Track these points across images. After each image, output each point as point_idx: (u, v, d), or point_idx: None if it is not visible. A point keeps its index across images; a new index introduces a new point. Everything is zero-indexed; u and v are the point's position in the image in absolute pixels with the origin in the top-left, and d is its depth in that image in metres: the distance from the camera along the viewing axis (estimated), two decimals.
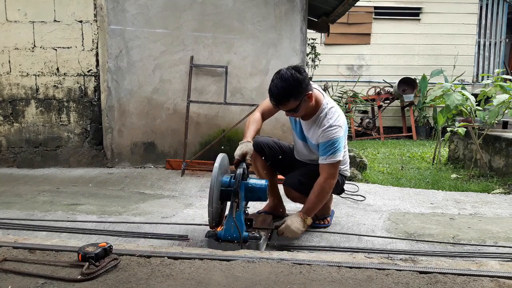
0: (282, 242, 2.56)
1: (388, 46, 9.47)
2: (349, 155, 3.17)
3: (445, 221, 3.09)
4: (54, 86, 4.79)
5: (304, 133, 2.72)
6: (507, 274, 1.96)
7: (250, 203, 2.64)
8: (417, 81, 8.87)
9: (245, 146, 2.51)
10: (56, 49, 4.74)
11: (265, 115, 2.74)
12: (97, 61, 4.74)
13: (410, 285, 1.87)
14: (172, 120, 4.79)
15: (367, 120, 9.03)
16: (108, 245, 2.07)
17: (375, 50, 9.52)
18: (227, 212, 2.51)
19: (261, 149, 2.81)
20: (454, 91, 4.82)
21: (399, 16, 9.41)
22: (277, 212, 3.02)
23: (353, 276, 1.95)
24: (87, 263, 1.94)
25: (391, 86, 9.14)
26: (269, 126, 4.49)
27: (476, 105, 4.92)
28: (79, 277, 1.87)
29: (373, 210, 3.37)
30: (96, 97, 4.81)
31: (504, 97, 4.46)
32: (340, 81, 9.38)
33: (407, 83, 8.76)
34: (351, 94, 9.11)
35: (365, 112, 9.53)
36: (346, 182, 3.15)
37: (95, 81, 4.79)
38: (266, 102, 2.71)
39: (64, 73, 4.77)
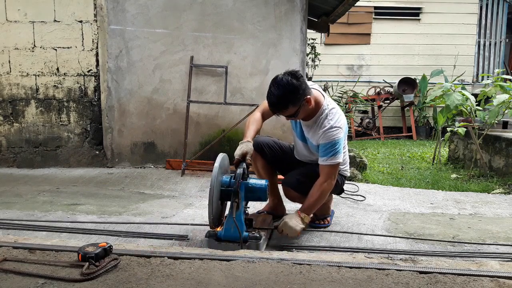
0: (282, 242, 2.56)
1: (388, 46, 9.47)
2: (349, 155, 3.18)
3: (445, 221, 3.09)
4: (54, 86, 4.79)
5: (304, 134, 2.72)
6: (507, 274, 1.96)
7: (250, 203, 2.64)
8: (417, 81, 8.87)
9: (245, 146, 2.51)
10: (56, 49, 4.74)
11: (265, 115, 2.74)
12: (97, 61, 4.74)
13: (410, 285, 1.87)
14: (172, 120, 4.79)
15: (367, 120, 9.03)
16: (108, 245, 2.07)
17: (375, 50, 9.52)
18: (227, 212, 2.51)
19: (261, 149, 2.81)
20: (454, 91, 4.82)
21: (399, 16, 9.41)
22: (277, 212, 3.02)
23: (353, 276, 1.95)
24: (87, 263, 1.94)
25: (391, 86, 9.15)
26: (269, 126, 4.49)
27: (476, 105, 4.92)
28: (79, 277, 1.87)
29: (373, 210, 3.37)
30: (96, 97, 4.81)
31: (504, 97, 4.47)
32: (340, 81, 9.38)
33: (407, 83, 8.76)
34: (351, 94, 9.11)
35: (365, 112, 9.53)
36: (346, 182, 3.15)
37: (95, 81, 4.79)
38: (266, 103, 2.71)
39: (64, 73, 4.77)
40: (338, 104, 8.41)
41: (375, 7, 9.40)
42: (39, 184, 4.03)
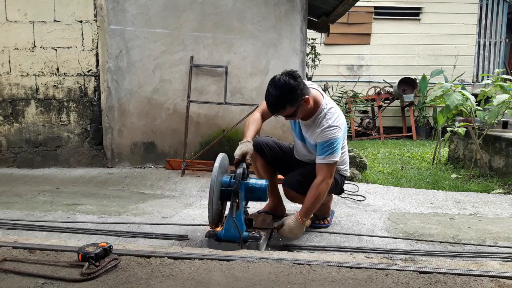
0: (282, 242, 2.56)
1: (388, 46, 9.47)
2: (349, 155, 3.18)
3: (445, 221, 3.09)
4: (54, 86, 4.79)
5: (303, 134, 2.72)
6: (507, 274, 1.96)
7: (250, 203, 2.64)
8: (417, 81, 8.87)
9: (245, 146, 2.51)
10: (56, 49, 4.74)
11: (265, 116, 2.74)
12: (97, 61, 4.74)
13: (410, 285, 1.87)
14: (172, 120, 4.79)
15: (367, 120, 9.02)
16: (108, 245, 2.07)
17: (375, 50, 9.52)
18: (227, 212, 2.51)
19: (260, 149, 2.81)
20: (454, 91, 4.82)
21: (399, 16, 9.41)
22: (277, 212, 3.02)
23: (353, 276, 1.95)
24: (87, 263, 1.94)
25: (391, 86, 9.14)
26: (269, 126, 4.48)
27: (476, 105, 4.92)
28: (79, 277, 1.87)
29: (373, 210, 3.37)
30: (96, 97, 4.81)
31: (504, 97, 4.47)
32: (340, 81, 9.38)
33: (407, 83, 8.76)
34: (351, 94, 9.11)
35: (365, 112, 9.53)
36: (346, 182, 3.15)
37: (95, 81, 4.79)
38: (265, 103, 2.71)
39: (64, 73, 4.77)
40: (338, 104, 8.43)
41: (375, 7, 9.40)
42: (39, 184, 4.03)
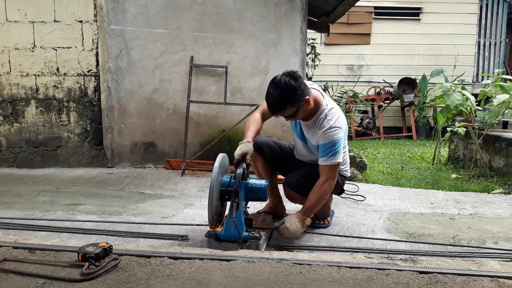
0: (282, 242, 2.56)
1: (388, 46, 9.47)
2: (349, 155, 3.17)
3: (445, 221, 3.09)
4: (54, 86, 4.79)
5: (304, 134, 2.72)
6: (507, 274, 1.96)
7: (250, 203, 2.64)
8: (417, 81, 8.87)
9: (245, 146, 2.51)
10: (56, 49, 4.74)
11: (265, 116, 2.74)
12: (97, 61, 4.74)
13: (410, 285, 1.87)
14: (172, 120, 4.79)
15: (367, 120, 9.02)
16: (108, 245, 2.07)
17: (375, 50, 9.52)
18: (227, 212, 2.51)
19: (260, 149, 2.81)
20: (454, 91, 4.82)
21: (399, 16, 9.41)
22: (277, 212, 3.02)
23: (353, 276, 1.95)
24: (87, 263, 1.94)
25: (391, 86, 9.14)
26: (269, 126, 4.48)
27: (476, 105, 4.92)
28: (79, 277, 1.87)
29: (373, 210, 3.37)
30: (96, 97, 4.81)
31: (504, 97, 4.46)
32: (340, 81, 9.38)
33: (407, 83, 8.76)
34: (351, 94, 9.10)
35: (365, 112, 9.53)
36: (346, 182, 3.15)
37: (95, 81, 4.79)
38: (265, 104, 2.71)
39: (64, 73, 4.77)
40: (338, 104, 8.41)
41: (375, 7, 9.40)
42: (39, 184, 4.03)
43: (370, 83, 9.46)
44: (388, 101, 9.22)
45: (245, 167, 2.47)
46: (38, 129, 4.84)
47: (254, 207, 3.13)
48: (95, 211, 3.16)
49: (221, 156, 2.49)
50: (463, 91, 4.86)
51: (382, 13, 9.40)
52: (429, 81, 8.97)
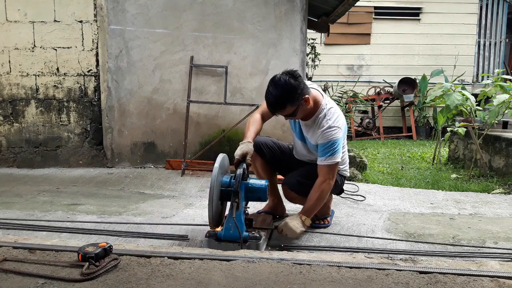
0: (282, 242, 2.55)
1: (388, 46, 9.47)
2: (349, 155, 3.18)
3: (445, 221, 3.09)
4: (54, 86, 4.79)
5: (303, 134, 2.72)
6: (507, 274, 1.96)
7: (250, 203, 2.64)
8: (417, 81, 8.87)
9: (245, 146, 2.51)
10: (56, 49, 4.74)
11: (265, 116, 2.74)
12: (97, 61, 4.74)
13: (410, 285, 1.87)
14: (172, 120, 4.79)
15: (367, 120, 9.03)
16: (108, 245, 2.07)
17: (375, 50, 9.52)
18: (227, 212, 2.51)
19: (260, 149, 2.81)
20: (454, 91, 4.82)
21: (399, 16, 9.41)
22: (277, 212, 3.02)
23: (353, 276, 1.95)
24: (87, 263, 1.94)
25: (391, 86, 9.14)
26: (269, 126, 4.48)
27: (476, 105, 4.92)
28: (79, 277, 1.87)
29: (373, 210, 3.37)
30: (96, 97, 4.81)
31: (504, 97, 4.47)
32: (340, 81, 9.38)
33: (407, 83, 8.76)
34: (351, 94, 9.11)
35: (365, 112, 9.53)
36: (346, 182, 3.15)
37: (95, 81, 4.79)
38: (265, 104, 2.71)
39: (64, 73, 4.77)
40: (338, 104, 8.43)
41: (375, 7, 9.40)
42: (39, 184, 4.03)
43: (370, 83, 9.46)
44: (388, 101, 9.22)
45: (245, 167, 2.47)
46: (38, 129, 4.84)
47: (254, 207, 3.13)
48: (95, 211, 3.16)
49: (221, 157, 2.49)
50: (463, 91, 4.86)
51: (382, 13, 9.40)
52: (429, 81, 8.97)
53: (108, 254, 2.04)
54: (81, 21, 4.69)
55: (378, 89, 9.12)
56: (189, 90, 4.66)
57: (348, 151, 3.43)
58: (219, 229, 2.45)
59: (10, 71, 4.77)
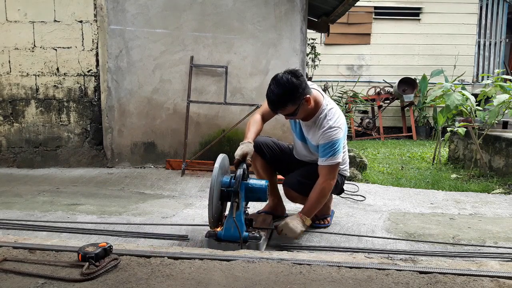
0: (282, 242, 2.56)
1: (388, 46, 9.47)
2: (349, 155, 3.18)
3: (445, 221, 3.09)
4: (54, 86, 4.79)
5: (304, 134, 2.72)
6: (507, 274, 1.96)
7: (250, 203, 2.64)
8: (417, 81, 8.87)
9: (246, 147, 2.51)
10: (56, 49, 4.74)
11: (265, 117, 2.75)
12: (97, 61, 4.74)
13: (410, 285, 1.87)
14: (172, 120, 4.79)
15: (367, 120, 9.03)
16: (108, 245, 2.06)
17: (375, 50, 9.52)
18: (227, 212, 2.51)
19: (260, 149, 2.81)
20: (454, 91, 4.82)
21: (399, 16, 9.41)
22: (277, 212, 3.02)
23: (353, 276, 1.95)
24: (87, 263, 1.94)
25: (391, 86, 9.15)
26: (269, 126, 4.46)
27: (476, 105, 4.92)
28: (79, 277, 1.87)
29: (373, 210, 3.37)
30: (96, 97, 4.81)
31: (504, 97, 4.46)
32: (340, 81, 9.38)
33: (407, 83, 8.76)
34: (351, 94, 9.11)
35: (365, 112, 9.53)
36: (346, 182, 3.15)
37: (95, 81, 4.79)
38: (266, 105, 2.71)
39: (64, 73, 4.77)
40: (338, 104, 8.43)
41: (375, 7, 9.40)
42: (39, 184, 4.03)
43: (370, 83, 9.46)
44: (388, 101, 9.22)
45: (245, 167, 2.47)
46: (38, 129, 4.84)
47: (254, 207, 3.13)
48: (95, 211, 3.16)
49: (221, 157, 2.49)
50: (463, 91, 4.86)
51: (382, 13, 9.40)
52: (429, 81, 8.97)
53: (108, 254, 2.04)
54: (81, 21, 4.69)
55: (378, 89, 9.12)
56: (189, 90, 4.66)
57: (348, 151, 3.43)
58: (219, 229, 2.46)
59: (10, 71, 4.77)
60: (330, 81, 9.18)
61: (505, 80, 4.95)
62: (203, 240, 2.51)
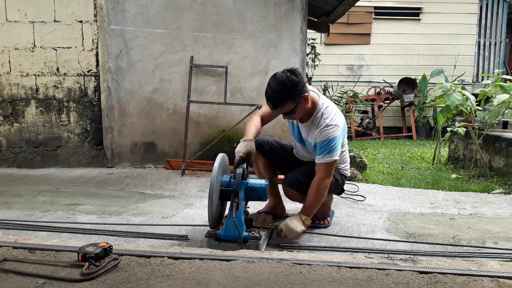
0: (282, 242, 2.55)
1: (388, 46, 9.47)
2: (349, 155, 3.18)
3: (445, 221, 3.09)
4: (54, 86, 4.79)
5: (302, 136, 2.73)
6: (507, 274, 1.96)
7: (250, 203, 2.64)
8: (417, 81, 8.87)
9: (249, 145, 2.50)
10: (56, 49, 4.74)
11: (264, 119, 2.75)
12: (97, 61, 4.74)
13: (410, 285, 1.87)
14: (172, 120, 4.79)
15: (367, 120, 9.02)
16: (108, 245, 2.07)
17: (375, 50, 9.52)
18: (227, 212, 2.51)
19: (260, 146, 2.81)
20: (454, 91, 4.82)
21: (399, 16, 9.41)
22: (277, 212, 3.02)
23: (353, 276, 1.95)
24: (87, 263, 1.94)
25: (391, 86, 9.14)
26: (269, 126, 4.40)
27: (476, 105, 4.92)
28: (79, 277, 1.87)
29: (373, 210, 3.37)
30: (96, 97, 4.81)
31: (504, 97, 4.46)
32: (340, 81, 9.38)
33: (407, 83, 8.76)
34: (351, 94, 9.11)
35: (365, 112, 9.53)
36: (346, 182, 3.15)
37: (95, 81, 4.79)
38: (265, 107, 2.71)
39: (64, 73, 4.77)
40: (338, 104, 8.44)
41: (375, 7, 9.40)
42: (39, 184, 4.03)
43: (370, 83, 9.46)
44: (388, 101, 9.22)
45: (245, 167, 2.47)
46: (38, 129, 4.84)
47: (254, 207, 3.13)
48: (95, 211, 3.16)
49: (221, 156, 2.49)
50: (463, 91, 4.86)
51: (382, 13, 9.40)
52: (429, 81, 8.97)
53: (108, 254, 2.04)
54: (81, 21, 4.69)
55: (378, 89, 9.12)
56: (189, 90, 4.66)
57: (348, 151, 3.43)
58: (219, 229, 2.45)
59: (10, 71, 4.77)
60: (330, 81, 9.18)
61: (505, 80, 4.95)
62: (203, 240, 2.51)
